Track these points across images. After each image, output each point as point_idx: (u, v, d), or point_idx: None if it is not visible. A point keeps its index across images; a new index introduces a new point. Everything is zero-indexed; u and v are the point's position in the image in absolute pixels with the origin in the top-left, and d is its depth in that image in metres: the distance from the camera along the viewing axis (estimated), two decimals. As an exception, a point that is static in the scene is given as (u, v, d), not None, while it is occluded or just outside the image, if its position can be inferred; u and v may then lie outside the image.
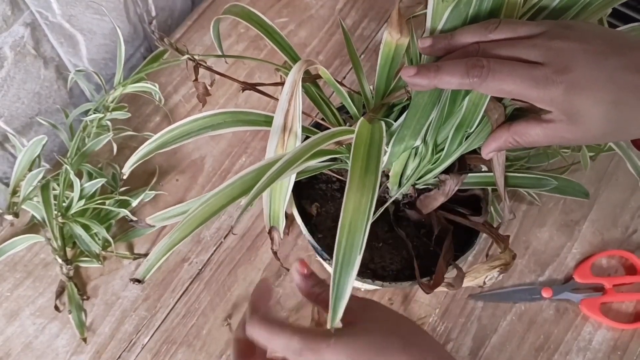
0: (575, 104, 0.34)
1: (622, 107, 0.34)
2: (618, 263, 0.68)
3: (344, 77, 0.77)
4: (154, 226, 0.42)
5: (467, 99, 0.39)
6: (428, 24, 0.37)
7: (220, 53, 0.50)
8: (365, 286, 0.53)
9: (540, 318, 0.65)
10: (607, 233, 0.69)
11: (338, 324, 0.34)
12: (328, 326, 0.35)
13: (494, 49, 0.35)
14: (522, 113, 0.39)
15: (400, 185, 0.50)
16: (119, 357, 0.61)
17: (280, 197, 0.39)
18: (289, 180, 0.39)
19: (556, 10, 0.38)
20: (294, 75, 0.37)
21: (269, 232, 0.39)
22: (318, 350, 0.35)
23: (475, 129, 0.41)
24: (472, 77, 0.34)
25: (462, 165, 0.49)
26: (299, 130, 0.38)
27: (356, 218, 0.35)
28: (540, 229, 0.69)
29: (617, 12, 0.71)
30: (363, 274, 0.52)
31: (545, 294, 0.65)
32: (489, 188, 0.53)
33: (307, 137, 0.38)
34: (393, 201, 0.54)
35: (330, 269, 0.60)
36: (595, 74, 0.34)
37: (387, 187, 0.52)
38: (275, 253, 0.39)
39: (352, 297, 0.35)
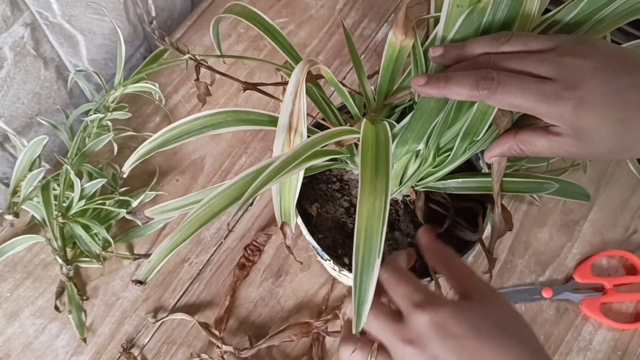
0: (583, 121, 0.34)
1: (629, 126, 0.34)
2: (618, 263, 0.68)
3: (344, 77, 0.77)
4: (152, 219, 0.42)
5: (474, 107, 0.39)
6: (440, 32, 0.37)
7: (219, 53, 0.50)
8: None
9: (541, 318, 0.65)
10: (607, 233, 0.69)
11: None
12: (353, 331, 0.35)
13: (504, 61, 0.35)
14: (528, 118, 0.39)
15: (400, 185, 0.50)
16: (119, 357, 0.61)
17: (289, 193, 0.39)
18: (297, 177, 0.39)
19: (569, 25, 0.38)
20: (297, 75, 0.37)
21: (281, 228, 0.39)
22: (439, 305, 0.36)
23: (482, 137, 0.41)
24: (482, 90, 0.34)
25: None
26: (304, 130, 0.38)
27: (372, 222, 0.34)
28: (540, 229, 0.69)
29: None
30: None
31: (546, 294, 0.65)
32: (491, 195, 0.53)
33: (308, 137, 0.38)
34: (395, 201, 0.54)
35: (330, 269, 0.60)
36: (604, 91, 0.34)
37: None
38: (288, 247, 0.39)
39: (475, 276, 0.39)
